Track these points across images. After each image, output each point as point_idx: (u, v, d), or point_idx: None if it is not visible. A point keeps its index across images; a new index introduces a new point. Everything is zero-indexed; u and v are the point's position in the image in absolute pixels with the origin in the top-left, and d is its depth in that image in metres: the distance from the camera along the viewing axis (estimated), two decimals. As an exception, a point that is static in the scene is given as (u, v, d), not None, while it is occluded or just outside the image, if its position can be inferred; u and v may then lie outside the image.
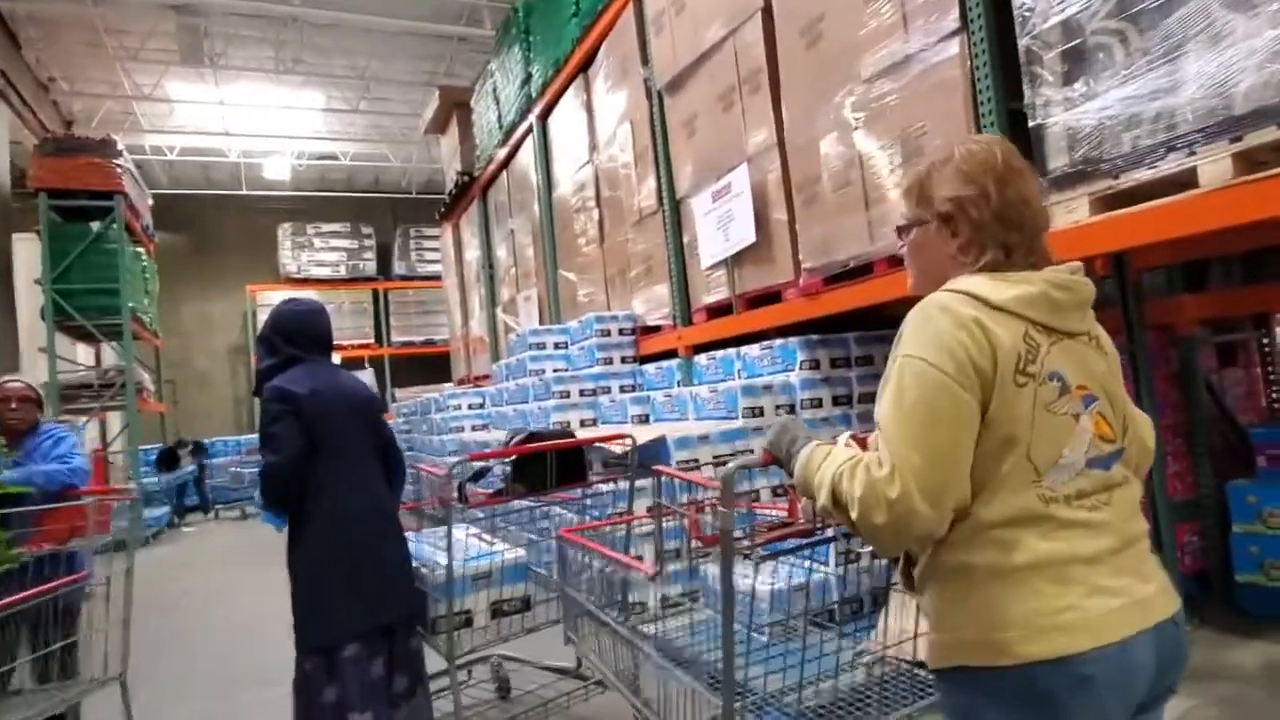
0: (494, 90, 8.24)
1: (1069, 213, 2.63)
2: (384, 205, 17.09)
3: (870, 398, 3.46)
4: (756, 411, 3.82)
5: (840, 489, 1.07)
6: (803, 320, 3.94)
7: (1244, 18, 2.17)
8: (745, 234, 4.25)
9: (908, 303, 1.20)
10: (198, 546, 9.02)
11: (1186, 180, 2.32)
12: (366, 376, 12.99)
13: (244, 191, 15.96)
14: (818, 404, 3.88)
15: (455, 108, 9.21)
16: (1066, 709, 1.00)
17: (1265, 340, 4.22)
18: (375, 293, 16.19)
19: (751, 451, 3.61)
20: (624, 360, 5.53)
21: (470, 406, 7.01)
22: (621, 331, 5.58)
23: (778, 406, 3.84)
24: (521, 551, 2.78)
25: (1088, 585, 1.03)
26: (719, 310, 4.71)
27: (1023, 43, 2.77)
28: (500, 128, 8.15)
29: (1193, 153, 2.29)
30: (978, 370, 1.03)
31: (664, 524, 2.20)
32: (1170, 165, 2.34)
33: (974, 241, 1.14)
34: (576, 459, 2.71)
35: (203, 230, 15.79)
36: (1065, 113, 2.64)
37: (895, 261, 3.27)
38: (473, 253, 9.61)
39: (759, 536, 1.72)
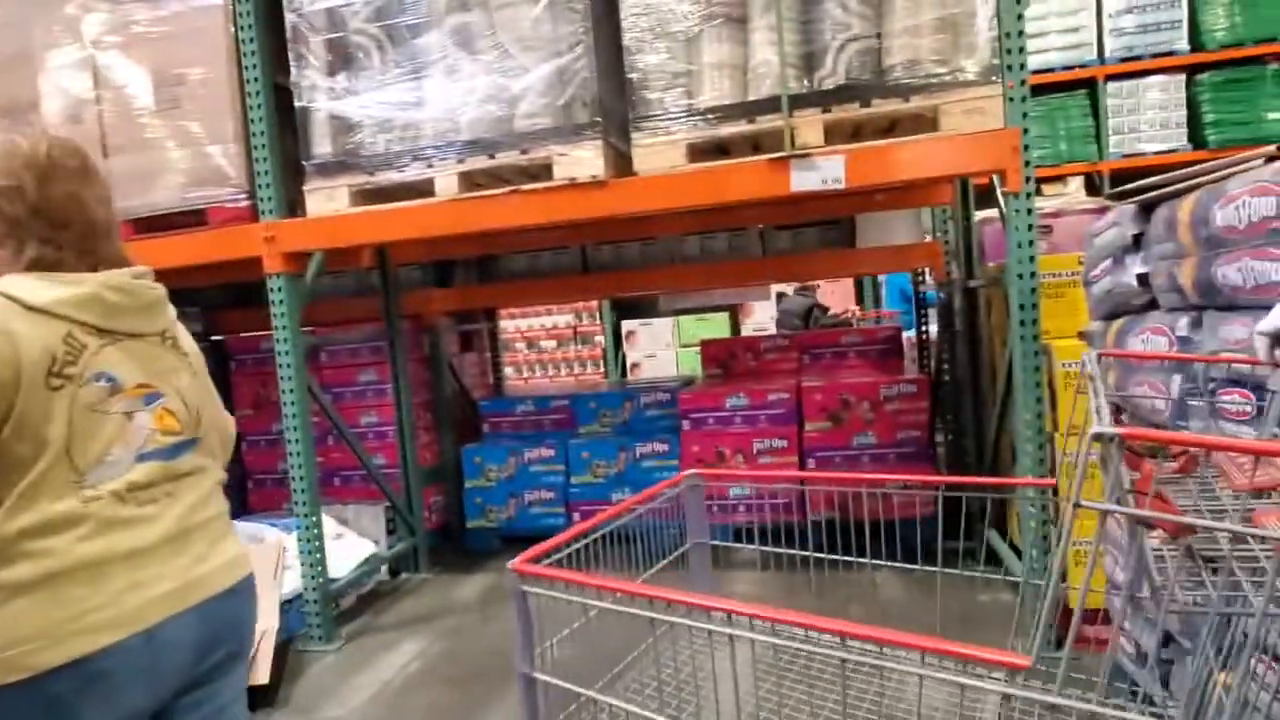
0: None
1: (330, 200, 2.69)
2: None
3: None
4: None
5: None
6: None
7: (469, 59, 2.58)
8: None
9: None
10: None
11: (428, 189, 2.64)
12: None
13: None
14: None
15: None
16: (76, 708, 1.00)
17: (493, 329, 5.28)
18: None
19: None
20: None
21: None
22: None
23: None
24: None
25: (126, 580, 1.05)
26: None
27: (289, 19, 2.69)
28: None
29: (431, 165, 2.61)
30: None
31: None
32: (414, 173, 2.63)
33: (11, 236, 1.10)
34: None
35: None
36: (330, 101, 2.69)
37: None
38: None
39: None
